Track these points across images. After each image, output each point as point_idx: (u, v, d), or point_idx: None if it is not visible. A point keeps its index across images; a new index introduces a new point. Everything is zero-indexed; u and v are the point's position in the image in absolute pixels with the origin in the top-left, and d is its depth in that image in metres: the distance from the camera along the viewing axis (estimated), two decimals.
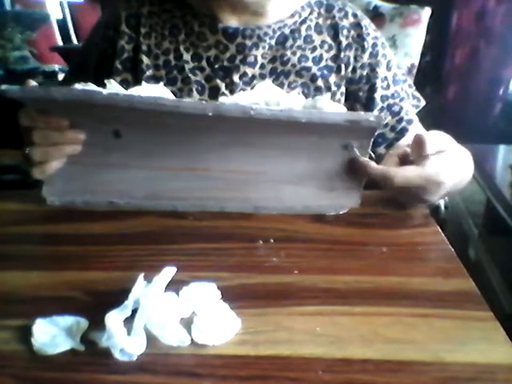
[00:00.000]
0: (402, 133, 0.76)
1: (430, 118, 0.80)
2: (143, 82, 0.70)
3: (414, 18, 1.05)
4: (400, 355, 0.38)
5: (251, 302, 0.44)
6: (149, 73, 0.73)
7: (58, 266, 0.49)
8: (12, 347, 0.39)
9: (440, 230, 0.57)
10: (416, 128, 0.77)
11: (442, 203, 0.91)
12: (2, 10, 2.67)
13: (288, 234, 0.56)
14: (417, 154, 0.55)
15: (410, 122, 0.76)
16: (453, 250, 0.53)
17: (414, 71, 1.08)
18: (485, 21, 2.15)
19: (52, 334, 0.39)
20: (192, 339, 0.39)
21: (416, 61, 1.06)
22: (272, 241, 0.54)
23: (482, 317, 0.42)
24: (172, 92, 0.55)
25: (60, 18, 3.19)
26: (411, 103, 0.78)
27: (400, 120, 0.75)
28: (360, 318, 0.42)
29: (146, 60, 0.73)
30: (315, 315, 0.43)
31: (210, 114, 0.47)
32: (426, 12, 1.04)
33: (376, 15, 1.05)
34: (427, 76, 0.81)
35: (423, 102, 0.80)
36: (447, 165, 0.55)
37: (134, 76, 0.74)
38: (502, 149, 1.71)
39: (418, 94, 0.80)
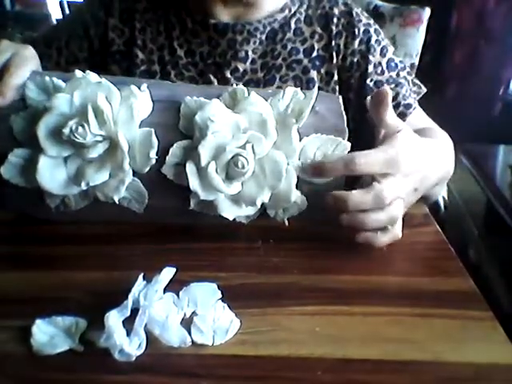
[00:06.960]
0: (400, 118, 0.76)
1: (429, 118, 0.80)
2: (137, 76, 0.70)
3: (413, 18, 1.04)
4: (399, 355, 0.38)
5: (251, 301, 0.44)
6: (143, 67, 0.74)
7: (57, 265, 0.49)
8: (11, 348, 0.39)
9: (440, 230, 0.57)
10: (417, 114, 0.76)
11: (441, 203, 0.91)
12: (2, 9, 2.67)
13: (287, 234, 0.56)
14: (376, 115, 0.52)
15: (408, 106, 0.75)
16: (452, 249, 0.53)
17: (414, 71, 1.08)
18: (485, 21, 2.15)
19: (51, 335, 0.39)
20: (192, 339, 0.39)
21: (416, 61, 1.06)
22: (271, 241, 0.54)
23: (482, 316, 0.42)
24: None
25: (60, 18, 3.18)
26: (411, 89, 0.78)
27: (397, 105, 0.75)
28: (359, 318, 0.42)
29: (140, 55, 0.74)
30: (315, 315, 0.43)
31: None
32: (426, 12, 1.04)
33: (376, 15, 1.05)
34: (427, 76, 0.81)
35: (424, 89, 0.79)
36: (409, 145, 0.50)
37: (125, 69, 0.74)
38: (502, 149, 1.71)
39: (417, 81, 0.80)
